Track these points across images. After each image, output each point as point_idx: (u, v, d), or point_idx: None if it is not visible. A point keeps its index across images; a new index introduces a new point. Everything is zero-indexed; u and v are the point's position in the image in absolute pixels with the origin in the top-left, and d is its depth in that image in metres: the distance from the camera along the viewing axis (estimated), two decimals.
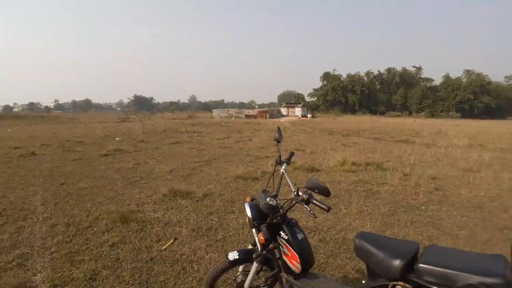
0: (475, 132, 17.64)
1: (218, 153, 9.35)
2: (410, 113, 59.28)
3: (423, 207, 4.86)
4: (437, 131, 18.34)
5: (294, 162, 7.50)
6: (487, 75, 58.19)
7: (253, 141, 12.07)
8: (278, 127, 2.62)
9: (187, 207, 4.71)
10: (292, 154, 2.52)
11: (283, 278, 2.19)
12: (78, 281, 2.81)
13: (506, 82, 62.60)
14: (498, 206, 4.88)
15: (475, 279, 1.33)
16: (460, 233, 3.94)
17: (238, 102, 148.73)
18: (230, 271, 2.47)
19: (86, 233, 3.77)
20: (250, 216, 2.10)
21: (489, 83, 57.65)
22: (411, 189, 5.77)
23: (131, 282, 2.83)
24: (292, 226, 2.13)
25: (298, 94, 73.86)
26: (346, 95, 64.43)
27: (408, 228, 4.04)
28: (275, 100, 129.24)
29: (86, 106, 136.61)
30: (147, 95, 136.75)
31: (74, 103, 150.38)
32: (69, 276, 2.87)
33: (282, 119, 37.11)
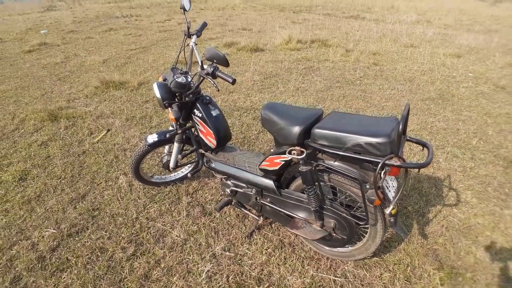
0: (426, 8, 17.43)
1: (157, 38, 8.57)
2: None
3: (358, 81, 5.00)
4: (389, 6, 17.89)
5: (237, 43, 7.12)
6: None
7: (197, 22, 11.09)
8: None
9: (121, 97, 4.48)
10: (204, 24, 2.27)
11: (201, 154, 2.23)
12: (7, 183, 2.74)
13: None
14: (427, 80, 5.13)
15: (363, 139, 1.38)
16: (387, 104, 4.18)
17: None
18: (152, 153, 2.47)
19: (12, 137, 3.54)
20: (159, 97, 1.98)
21: None
22: (350, 65, 5.83)
23: (63, 176, 2.82)
24: (206, 103, 2.07)
25: None
26: None
27: (339, 102, 4.21)
28: None
29: None
30: None
31: None
32: None
33: None
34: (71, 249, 2.07)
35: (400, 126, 1.37)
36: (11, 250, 2.06)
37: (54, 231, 2.20)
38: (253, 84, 4.89)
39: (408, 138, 1.59)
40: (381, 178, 1.40)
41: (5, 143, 3.39)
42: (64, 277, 1.87)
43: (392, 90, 4.68)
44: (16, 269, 1.93)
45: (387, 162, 1.33)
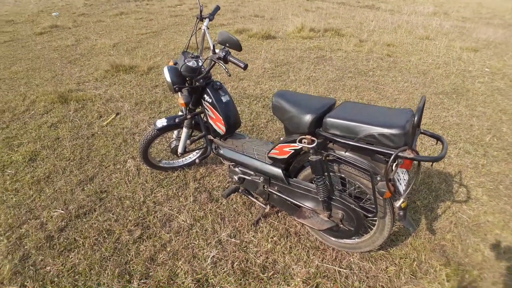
0: (444, 0, 17.00)
1: (168, 23, 8.50)
2: None
3: (371, 72, 4.91)
4: None
5: (249, 30, 7.02)
6: None
7: (209, 7, 10.98)
8: None
9: (130, 81, 4.48)
10: (217, 8, 2.22)
11: (209, 140, 2.22)
12: (17, 164, 2.77)
13: None
14: (441, 73, 5.00)
15: (375, 130, 1.35)
16: (400, 97, 4.10)
17: None
18: (160, 138, 2.47)
19: (23, 118, 3.57)
20: (169, 81, 1.96)
21: None
22: (363, 56, 5.72)
23: (71, 158, 2.84)
24: (216, 89, 2.05)
25: None
26: None
27: (351, 93, 4.14)
28: None
29: None
30: None
31: None
32: (7, 160, 2.82)
33: None
34: (79, 230, 2.09)
35: (415, 118, 1.33)
36: (21, 228, 2.10)
37: (63, 211, 2.23)
38: (263, 71, 4.83)
39: (422, 131, 1.55)
40: (392, 170, 1.37)
41: (16, 124, 3.42)
42: (72, 257, 1.90)
43: (405, 82, 4.58)
44: (25, 247, 1.96)
45: (400, 154, 1.30)
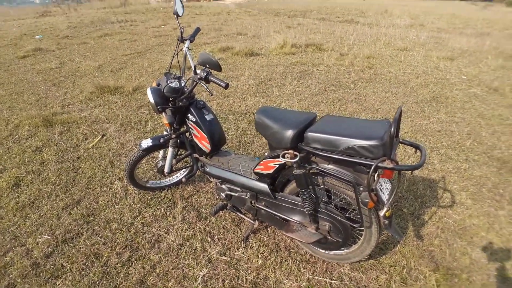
0: (419, 12, 17.62)
1: (152, 43, 8.59)
2: None
3: (353, 85, 5.04)
4: (383, 11, 18.06)
5: (232, 48, 7.14)
6: None
7: (192, 27, 11.15)
8: None
9: (116, 102, 4.48)
10: (197, 29, 2.28)
11: (195, 158, 2.23)
12: (0, 190, 2.72)
13: None
14: (421, 82, 5.17)
15: (355, 142, 1.39)
16: (381, 107, 4.21)
17: None
18: (147, 158, 2.47)
19: (6, 143, 3.52)
20: (153, 101, 1.99)
21: None
22: (344, 69, 5.87)
23: (57, 182, 2.80)
24: (200, 108, 2.08)
25: None
26: None
27: (334, 105, 4.23)
28: None
29: None
30: None
31: None
32: None
33: (228, 1, 33.84)
34: (66, 255, 2.05)
35: (392, 129, 1.38)
36: (5, 257, 2.04)
37: (49, 237, 2.18)
38: (248, 88, 4.90)
39: (401, 141, 1.60)
40: (374, 180, 1.41)
41: None
42: (59, 284, 1.86)
43: (386, 93, 4.71)
44: (10, 276, 1.91)
45: (379, 164, 1.34)
